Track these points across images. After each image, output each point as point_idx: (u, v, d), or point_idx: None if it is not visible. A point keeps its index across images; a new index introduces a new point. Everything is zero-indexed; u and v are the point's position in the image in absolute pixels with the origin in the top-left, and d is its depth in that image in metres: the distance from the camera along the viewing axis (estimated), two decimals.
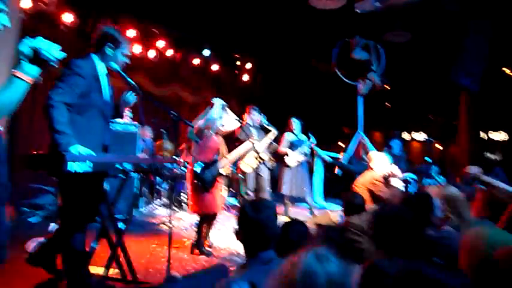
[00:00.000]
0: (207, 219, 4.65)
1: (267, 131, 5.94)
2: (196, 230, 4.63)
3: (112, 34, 3.02)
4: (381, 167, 4.86)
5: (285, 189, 6.60)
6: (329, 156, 7.21)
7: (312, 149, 6.87)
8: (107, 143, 3.07)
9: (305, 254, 1.18)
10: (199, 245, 4.54)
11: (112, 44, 2.99)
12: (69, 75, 2.75)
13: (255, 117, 6.09)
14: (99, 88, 2.95)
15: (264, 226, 1.83)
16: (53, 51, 1.77)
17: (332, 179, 8.70)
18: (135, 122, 6.36)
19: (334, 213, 5.83)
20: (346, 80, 8.32)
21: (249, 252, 1.88)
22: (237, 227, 1.94)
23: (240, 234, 1.92)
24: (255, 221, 1.83)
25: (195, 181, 4.43)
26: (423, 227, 2.27)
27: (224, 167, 4.72)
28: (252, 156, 5.79)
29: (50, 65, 1.76)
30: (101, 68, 3.00)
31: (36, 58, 1.73)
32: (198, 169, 4.45)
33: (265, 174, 6.14)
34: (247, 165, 5.98)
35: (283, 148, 6.69)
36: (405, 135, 14.41)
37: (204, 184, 4.44)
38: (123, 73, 3.08)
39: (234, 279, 1.61)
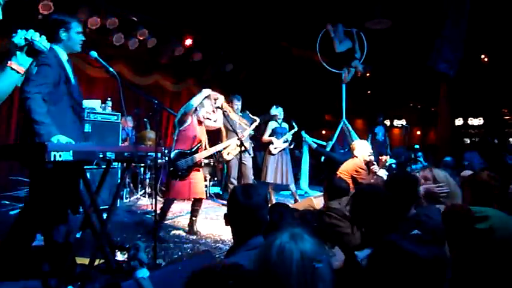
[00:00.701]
0: (170, 204, 4.67)
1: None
2: (159, 213, 4.46)
3: (60, 18, 3.01)
4: (364, 154, 4.97)
5: (269, 177, 6.65)
6: (315, 142, 7.29)
7: (299, 135, 6.97)
8: (81, 131, 3.07)
9: (280, 233, 1.24)
10: (158, 229, 4.29)
11: (63, 27, 2.98)
12: (38, 66, 2.74)
13: (236, 105, 6.22)
14: (66, 76, 2.98)
15: (254, 212, 1.81)
16: (44, 42, 1.83)
17: (316, 165, 8.80)
18: (116, 112, 6.28)
19: (317, 199, 5.90)
20: (330, 69, 8.36)
21: (238, 237, 1.87)
22: (226, 212, 1.94)
23: (229, 220, 1.91)
24: (245, 207, 1.81)
25: (170, 167, 4.42)
26: (403, 206, 2.32)
27: (202, 157, 4.70)
28: (234, 144, 5.82)
29: (41, 54, 1.85)
30: (63, 56, 3.01)
31: (30, 49, 1.79)
32: (172, 155, 4.45)
33: (248, 162, 6.18)
34: (230, 153, 6.01)
35: (266, 136, 6.74)
36: (386, 122, 14.67)
37: (176, 171, 4.42)
38: (101, 60, 3.07)
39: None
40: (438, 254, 1.22)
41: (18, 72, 1.76)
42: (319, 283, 1.15)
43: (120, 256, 1.90)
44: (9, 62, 1.75)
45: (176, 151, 4.47)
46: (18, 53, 1.76)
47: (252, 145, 6.85)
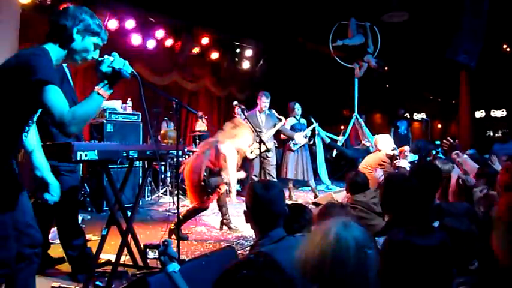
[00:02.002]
0: (199, 213, 4.73)
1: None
2: (183, 214, 4.55)
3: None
4: (387, 148, 4.93)
5: (289, 174, 6.67)
6: (328, 136, 7.26)
7: (313, 128, 6.94)
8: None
9: (333, 223, 1.33)
10: (177, 228, 4.22)
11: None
12: None
13: (264, 103, 6.10)
14: (66, 78, 3.12)
15: (273, 203, 1.87)
16: (128, 67, 1.95)
17: (334, 161, 8.76)
18: (137, 112, 6.39)
19: (337, 194, 5.90)
20: (343, 63, 8.30)
21: (259, 231, 1.93)
22: (246, 208, 1.99)
23: (249, 213, 1.96)
24: (264, 199, 1.87)
25: (202, 182, 4.43)
26: (430, 196, 2.34)
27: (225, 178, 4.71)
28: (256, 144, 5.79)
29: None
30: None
31: (115, 75, 1.90)
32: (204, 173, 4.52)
33: (271, 160, 6.19)
34: (253, 152, 6.02)
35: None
36: (406, 115, 14.46)
37: (206, 188, 4.49)
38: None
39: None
40: (445, 239, 1.27)
41: (103, 97, 1.88)
42: (371, 267, 1.25)
43: (151, 254, 1.96)
44: (96, 88, 1.88)
45: (208, 169, 4.52)
46: (104, 80, 1.89)
47: (276, 144, 6.86)
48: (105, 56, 1.91)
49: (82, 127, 1.86)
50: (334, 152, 7.79)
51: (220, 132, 4.67)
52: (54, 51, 1.91)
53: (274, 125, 6.07)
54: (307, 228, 2.16)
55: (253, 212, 1.93)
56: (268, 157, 6.14)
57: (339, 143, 7.75)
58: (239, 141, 4.53)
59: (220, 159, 4.51)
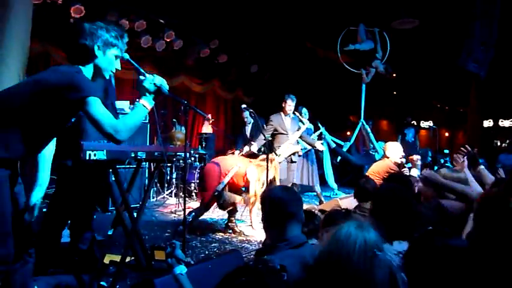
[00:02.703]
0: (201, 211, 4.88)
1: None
2: (195, 211, 4.81)
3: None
4: (396, 156, 4.88)
5: (295, 178, 6.62)
6: (334, 141, 7.21)
7: (320, 133, 6.91)
8: None
9: (349, 222, 1.39)
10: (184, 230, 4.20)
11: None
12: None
13: (289, 106, 5.90)
14: (110, 82, 3.17)
15: (291, 205, 1.82)
16: (165, 84, 2.19)
17: (340, 166, 8.72)
18: None
19: (343, 200, 5.85)
20: (351, 69, 8.27)
21: (276, 235, 1.84)
22: (263, 215, 1.94)
23: (268, 218, 1.90)
24: (283, 200, 1.82)
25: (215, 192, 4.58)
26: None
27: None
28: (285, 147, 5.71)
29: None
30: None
31: (156, 91, 2.15)
32: (220, 187, 4.60)
33: (293, 165, 6.08)
34: (281, 155, 5.91)
35: None
36: (413, 122, 14.39)
37: (216, 198, 4.63)
38: (133, 62, 3.15)
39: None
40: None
41: (147, 109, 2.11)
42: (378, 269, 1.28)
43: (157, 256, 1.96)
44: (141, 100, 2.10)
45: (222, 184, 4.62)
46: (148, 94, 2.11)
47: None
48: (147, 75, 2.14)
49: (130, 135, 2.03)
50: (339, 158, 7.75)
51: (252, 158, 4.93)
52: (83, 71, 2.02)
53: (298, 129, 6.02)
54: (316, 234, 2.14)
55: (272, 214, 1.86)
56: (293, 161, 6.07)
57: (344, 149, 7.71)
58: (262, 173, 4.64)
59: (243, 180, 4.67)
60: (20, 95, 1.91)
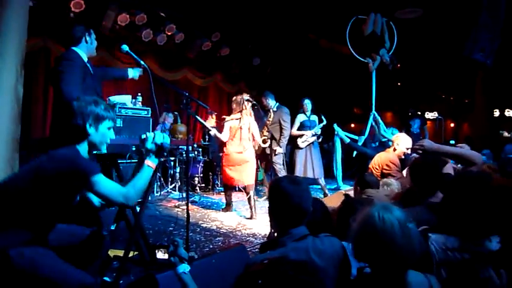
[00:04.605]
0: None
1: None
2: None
3: (85, 27, 3.37)
4: (403, 147, 4.79)
5: (298, 171, 6.59)
6: (348, 137, 7.11)
7: (328, 128, 6.86)
8: None
9: (373, 208, 1.50)
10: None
11: (87, 33, 3.33)
12: (69, 67, 3.06)
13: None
14: (89, 72, 3.24)
15: (298, 198, 1.74)
16: (166, 138, 2.27)
17: (347, 160, 8.65)
18: (147, 107, 6.35)
19: (348, 193, 5.79)
20: (359, 58, 8.14)
21: (280, 228, 1.80)
22: (269, 205, 1.86)
23: (274, 209, 1.83)
24: (289, 193, 1.74)
25: None
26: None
27: None
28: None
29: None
30: (84, 57, 3.29)
31: (158, 149, 2.25)
32: None
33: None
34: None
35: (295, 130, 6.67)
36: (418, 113, 14.25)
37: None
38: (132, 54, 3.13)
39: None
40: None
41: (152, 168, 2.21)
42: (415, 239, 1.46)
43: (160, 254, 1.94)
44: (146, 161, 2.20)
45: None
46: (151, 154, 2.22)
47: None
48: (147, 134, 2.23)
49: (139, 196, 2.17)
50: (355, 153, 7.65)
51: None
52: (80, 150, 2.10)
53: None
54: (321, 222, 2.08)
55: (277, 206, 1.80)
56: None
57: (359, 143, 7.61)
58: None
59: None
60: (20, 189, 1.98)
